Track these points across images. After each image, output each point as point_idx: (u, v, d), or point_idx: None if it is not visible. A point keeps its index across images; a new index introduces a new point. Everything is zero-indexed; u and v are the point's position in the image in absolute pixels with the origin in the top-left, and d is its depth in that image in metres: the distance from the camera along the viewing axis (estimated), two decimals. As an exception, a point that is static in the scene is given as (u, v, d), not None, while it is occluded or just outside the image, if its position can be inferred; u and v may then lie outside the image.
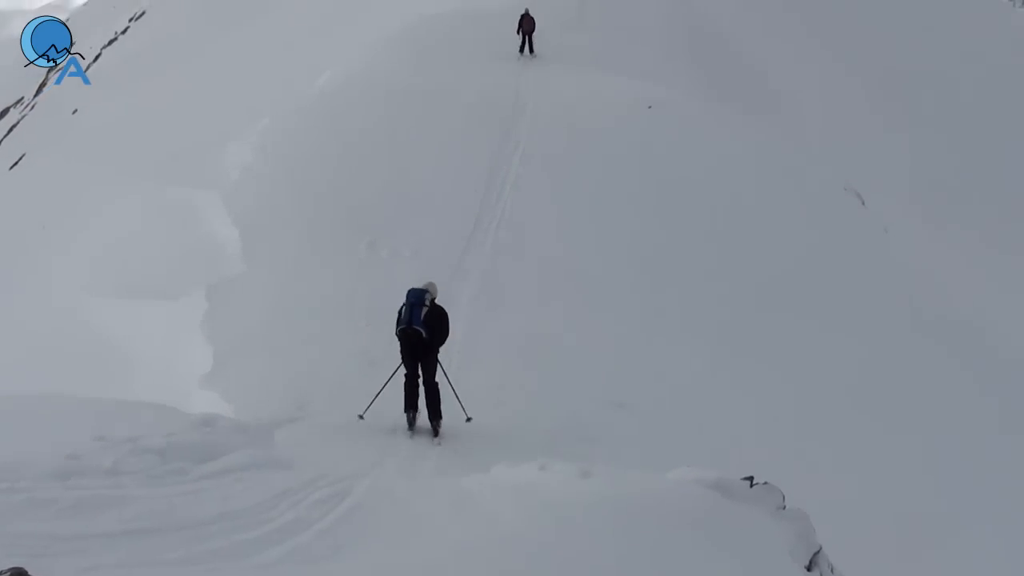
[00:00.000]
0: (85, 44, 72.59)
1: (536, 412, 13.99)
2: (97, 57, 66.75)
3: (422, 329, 12.27)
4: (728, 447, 13.74)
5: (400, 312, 12.48)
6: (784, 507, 9.10)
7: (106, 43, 68.57)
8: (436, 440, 12.55)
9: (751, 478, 9.16)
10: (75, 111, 54.21)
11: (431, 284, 12.74)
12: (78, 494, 6.57)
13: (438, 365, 12.76)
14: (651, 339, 16.74)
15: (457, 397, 12.79)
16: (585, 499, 7.98)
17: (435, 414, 12.66)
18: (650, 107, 25.65)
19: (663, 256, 19.44)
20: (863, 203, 27.80)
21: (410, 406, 12.70)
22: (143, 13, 70.45)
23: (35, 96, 63.00)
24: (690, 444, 13.76)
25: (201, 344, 15.56)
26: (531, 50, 33.70)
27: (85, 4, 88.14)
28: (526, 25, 33.59)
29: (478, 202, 20.80)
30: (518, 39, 33.68)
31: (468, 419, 12.83)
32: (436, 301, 12.59)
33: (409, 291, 12.48)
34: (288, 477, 8.01)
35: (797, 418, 15.93)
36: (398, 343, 12.67)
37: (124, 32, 68.89)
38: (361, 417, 12.71)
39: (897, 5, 54.24)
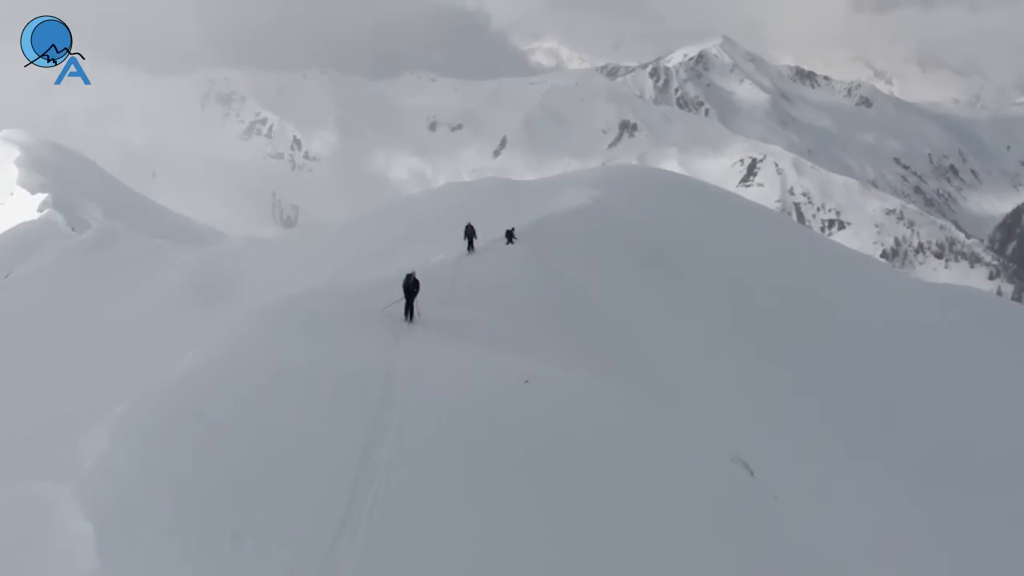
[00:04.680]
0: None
1: None
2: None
3: (413, 288, 32.55)
4: None
5: (404, 281, 32.74)
6: None
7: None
8: (414, 322, 32.50)
9: None
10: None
11: (414, 271, 33.34)
12: None
13: (415, 302, 33.06)
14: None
15: (419, 312, 32.85)
16: None
17: (414, 316, 32.60)
18: (527, 381, 25.34)
19: (547, 539, 18.67)
20: (751, 473, 27.58)
21: (406, 315, 32.71)
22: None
23: None
24: None
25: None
26: (472, 249, 47.17)
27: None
28: (470, 233, 47.30)
29: (350, 483, 19.83)
30: (464, 243, 47.39)
31: (419, 314, 32.73)
32: (417, 275, 33.44)
33: (407, 275, 32.94)
34: None
35: None
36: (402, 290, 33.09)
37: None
38: (383, 311, 32.46)
39: (775, 265, 56.43)
